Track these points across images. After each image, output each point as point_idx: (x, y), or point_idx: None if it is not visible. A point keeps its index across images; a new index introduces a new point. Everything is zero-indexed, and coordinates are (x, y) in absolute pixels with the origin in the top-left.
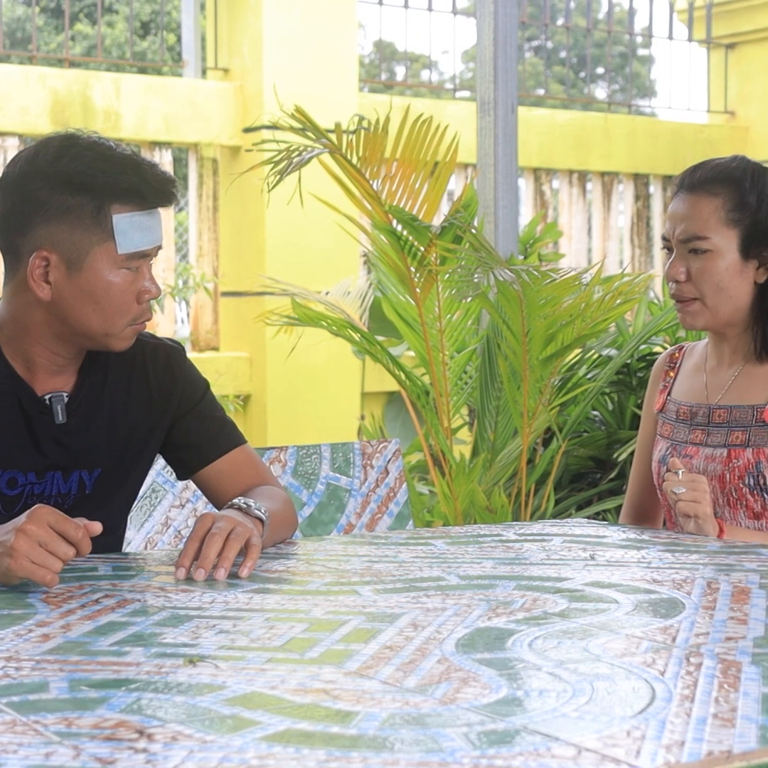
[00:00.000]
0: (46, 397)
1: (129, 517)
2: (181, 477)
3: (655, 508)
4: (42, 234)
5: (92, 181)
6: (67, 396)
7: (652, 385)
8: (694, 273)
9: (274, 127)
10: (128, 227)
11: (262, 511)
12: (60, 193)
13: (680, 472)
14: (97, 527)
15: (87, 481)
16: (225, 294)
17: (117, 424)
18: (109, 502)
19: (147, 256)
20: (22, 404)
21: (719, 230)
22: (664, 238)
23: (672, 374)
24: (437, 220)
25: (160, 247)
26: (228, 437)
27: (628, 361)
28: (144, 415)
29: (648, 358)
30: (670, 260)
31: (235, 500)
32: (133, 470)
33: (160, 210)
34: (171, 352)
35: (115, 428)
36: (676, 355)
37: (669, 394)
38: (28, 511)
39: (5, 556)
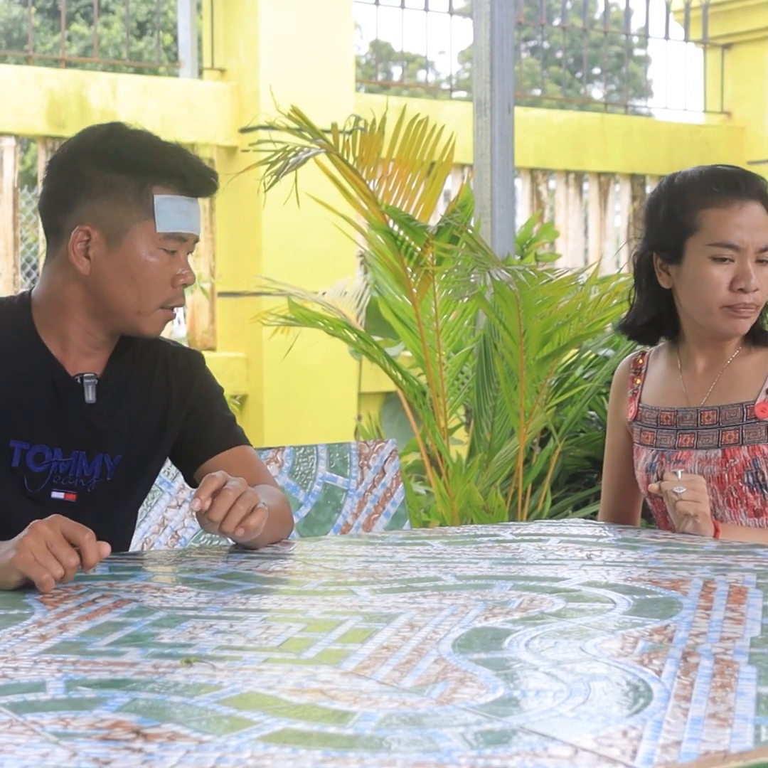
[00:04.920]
0: (78, 376)
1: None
2: (188, 475)
3: (633, 514)
4: (85, 210)
5: (137, 160)
6: (97, 378)
7: (618, 394)
8: (762, 282)
9: (270, 127)
10: (168, 208)
11: (262, 504)
12: (105, 171)
13: (679, 472)
14: (105, 548)
15: (109, 466)
16: (221, 294)
17: (138, 416)
18: (126, 494)
19: (185, 240)
20: (55, 382)
21: None
22: (730, 246)
23: (638, 381)
24: (434, 221)
25: (197, 240)
26: (234, 436)
27: None
28: (162, 411)
29: None
30: (748, 269)
31: None
32: (149, 464)
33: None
34: (191, 356)
35: (135, 419)
36: (640, 360)
37: (639, 401)
38: (48, 517)
39: (12, 549)
